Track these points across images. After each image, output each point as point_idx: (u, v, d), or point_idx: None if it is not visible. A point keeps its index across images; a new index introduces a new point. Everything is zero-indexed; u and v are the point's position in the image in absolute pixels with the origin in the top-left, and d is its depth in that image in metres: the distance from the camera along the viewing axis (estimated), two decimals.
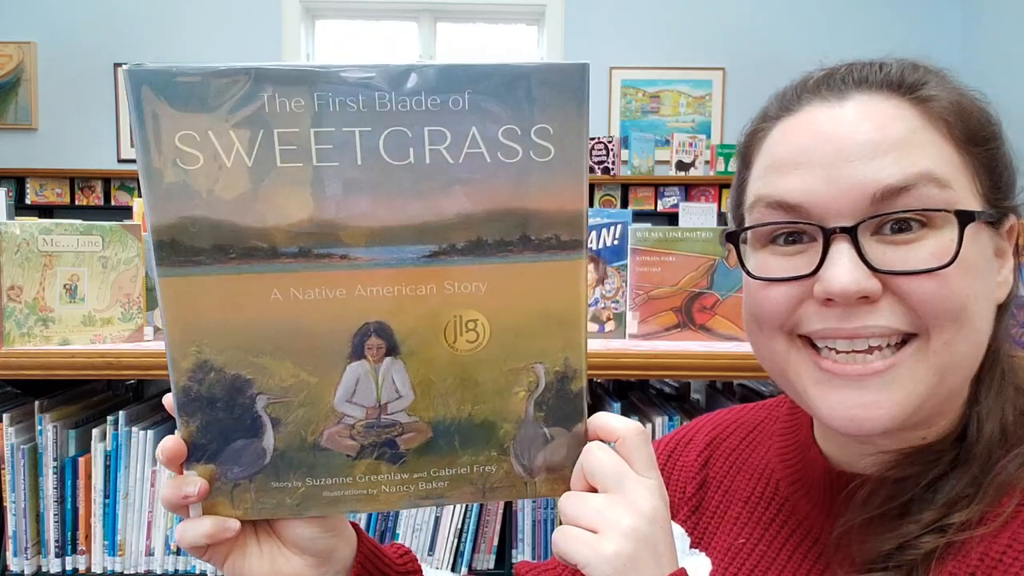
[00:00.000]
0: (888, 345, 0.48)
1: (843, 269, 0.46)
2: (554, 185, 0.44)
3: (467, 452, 0.47)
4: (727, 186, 4.02)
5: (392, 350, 0.45)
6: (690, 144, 4.04)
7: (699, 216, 1.99)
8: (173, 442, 0.45)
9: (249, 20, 3.98)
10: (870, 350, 0.48)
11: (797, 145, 0.50)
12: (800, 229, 0.50)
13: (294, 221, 0.43)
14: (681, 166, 4.05)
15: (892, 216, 0.47)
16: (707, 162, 4.07)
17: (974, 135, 0.49)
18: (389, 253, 0.44)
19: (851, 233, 0.47)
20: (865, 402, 0.47)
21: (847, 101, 0.50)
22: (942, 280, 0.46)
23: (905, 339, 0.48)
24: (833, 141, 0.48)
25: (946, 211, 0.46)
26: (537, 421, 0.47)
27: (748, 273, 0.52)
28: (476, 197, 0.43)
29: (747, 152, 0.56)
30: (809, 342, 0.50)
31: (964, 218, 0.46)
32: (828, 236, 0.47)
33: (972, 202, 0.48)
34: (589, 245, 1.23)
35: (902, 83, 0.49)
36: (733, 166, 4.60)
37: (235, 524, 0.46)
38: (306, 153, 0.42)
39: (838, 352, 0.48)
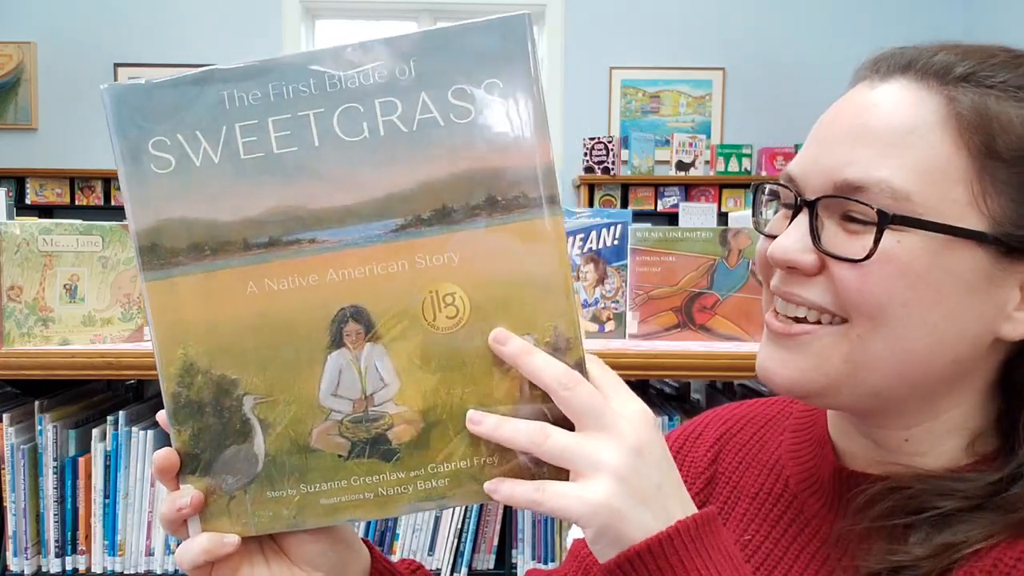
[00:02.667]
0: (816, 321, 0.50)
1: (787, 238, 0.49)
2: (512, 140, 0.42)
3: (464, 443, 0.44)
4: (727, 186, 4.02)
5: (371, 335, 0.43)
6: (690, 144, 4.04)
7: (699, 216, 1.99)
8: (165, 452, 0.45)
9: (249, 20, 3.98)
10: (799, 319, 0.50)
11: (823, 120, 0.52)
12: (790, 198, 0.52)
13: (262, 211, 0.43)
14: (681, 166, 4.05)
15: (840, 200, 0.47)
16: (707, 162, 4.07)
17: (1000, 150, 0.46)
18: (356, 232, 0.43)
19: (811, 207, 0.49)
20: (778, 359, 0.51)
21: (882, 84, 0.49)
22: (860, 274, 0.46)
23: (832, 320, 0.49)
24: (837, 122, 0.50)
25: (867, 205, 0.46)
26: (535, 401, 0.43)
27: (755, 225, 0.57)
28: (435, 163, 0.42)
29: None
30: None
31: (884, 219, 0.45)
32: (799, 206, 0.50)
33: (956, 216, 0.45)
34: (590, 246, 1.23)
35: (945, 74, 0.47)
36: (733, 166, 4.59)
37: (233, 539, 0.45)
38: (266, 142, 0.43)
39: (777, 313, 0.52)
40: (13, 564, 1.15)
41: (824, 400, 0.52)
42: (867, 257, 0.46)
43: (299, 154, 0.42)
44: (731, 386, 1.40)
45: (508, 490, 0.43)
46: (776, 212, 0.56)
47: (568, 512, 0.41)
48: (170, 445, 0.46)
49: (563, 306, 0.43)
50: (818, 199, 0.49)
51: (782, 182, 0.53)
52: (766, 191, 0.57)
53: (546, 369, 0.42)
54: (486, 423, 0.43)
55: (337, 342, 0.44)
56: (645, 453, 0.42)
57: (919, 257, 0.46)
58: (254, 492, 0.45)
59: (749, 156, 4.02)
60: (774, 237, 0.51)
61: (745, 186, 3.99)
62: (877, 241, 0.46)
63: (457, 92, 0.42)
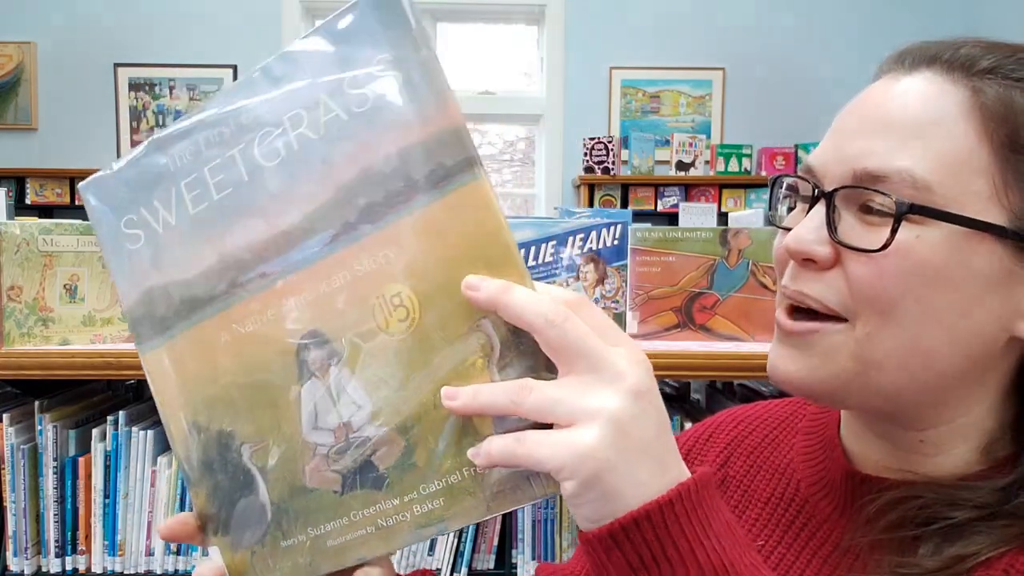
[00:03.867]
0: (825, 317, 0.49)
1: (801, 228, 0.48)
2: (413, 110, 0.39)
3: (449, 453, 0.40)
4: (727, 186, 4.02)
5: (336, 359, 0.41)
6: (690, 144, 4.04)
7: (699, 216, 1.99)
8: (174, 522, 0.46)
9: (249, 20, 3.98)
10: (808, 314, 0.49)
11: (845, 111, 0.51)
12: (808, 189, 0.51)
13: (215, 259, 0.44)
14: (681, 166, 4.05)
15: (860, 190, 0.47)
16: (707, 162, 4.07)
17: (1018, 143, 0.45)
18: (296, 255, 0.42)
19: (828, 197, 0.48)
20: (785, 356, 0.50)
21: (907, 77, 0.49)
22: (874, 266, 0.45)
23: (841, 318, 0.48)
24: (860, 113, 0.49)
25: (887, 195, 0.45)
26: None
27: (770, 219, 0.56)
28: (349, 161, 0.40)
29: None
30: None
31: (902, 209, 0.44)
32: (816, 197, 0.49)
33: (977, 209, 0.45)
34: (590, 246, 1.23)
35: (970, 66, 0.47)
36: (733, 166, 4.58)
37: None
38: (207, 192, 0.44)
39: (790, 311, 0.51)
40: (13, 564, 1.15)
41: (835, 400, 0.51)
42: (883, 247, 0.45)
43: (235, 194, 0.43)
44: (731, 386, 1.40)
45: (486, 450, 0.37)
46: (793, 208, 0.55)
47: (550, 460, 0.35)
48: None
49: (513, 276, 0.38)
50: (836, 189, 0.48)
51: (801, 174, 0.52)
52: (783, 185, 0.56)
53: (529, 305, 0.36)
54: (462, 397, 0.37)
55: (306, 374, 0.42)
56: (645, 399, 0.36)
57: (937, 251, 0.45)
58: (270, 545, 0.44)
59: (749, 156, 4.02)
60: (782, 229, 0.51)
61: (745, 186, 3.99)
62: (895, 231, 0.44)
63: (351, 82, 0.40)
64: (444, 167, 0.38)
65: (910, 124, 0.46)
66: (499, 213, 0.39)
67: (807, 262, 0.48)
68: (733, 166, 4.03)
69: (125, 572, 1.17)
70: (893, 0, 4.02)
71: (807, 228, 0.48)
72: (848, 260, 0.47)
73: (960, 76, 0.47)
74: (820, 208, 0.48)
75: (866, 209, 0.47)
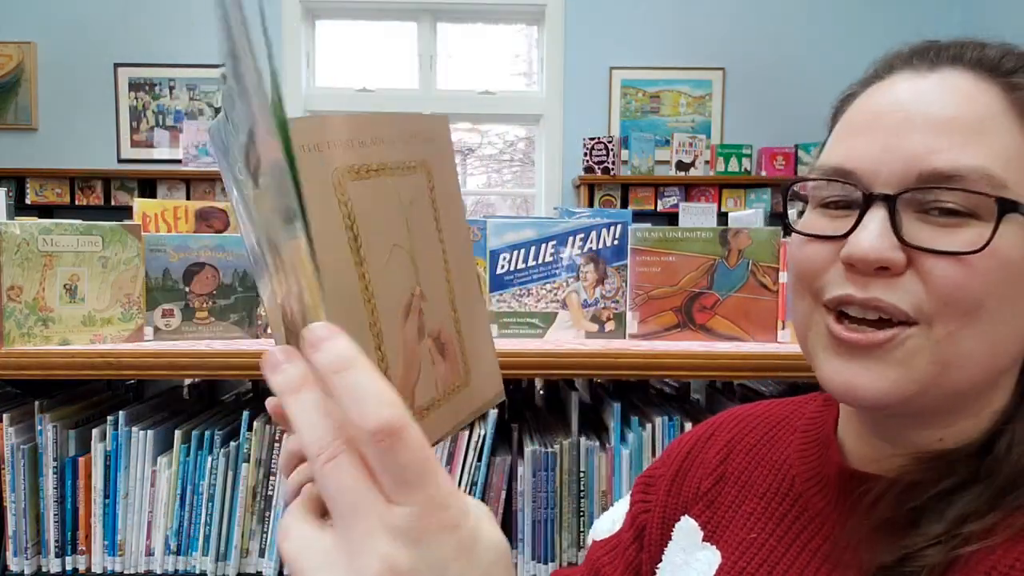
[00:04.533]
0: (897, 323, 0.47)
1: (869, 234, 0.46)
2: (255, 118, 0.38)
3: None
4: (727, 186, 4.02)
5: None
6: (690, 144, 4.04)
7: (699, 216, 1.99)
8: None
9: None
10: (880, 324, 0.47)
11: (873, 110, 0.49)
12: (848, 193, 0.49)
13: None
14: (681, 166, 4.05)
15: (934, 195, 0.45)
16: (707, 162, 4.07)
17: None
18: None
19: (890, 202, 0.46)
20: (862, 372, 0.47)
21: (935, 73, 0.48)
22: (967, 268, 0.44)
23: (915, 321, 0.47)
24: (904, 109, 0.47)
25: (986, 195, 0.44)
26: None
27: (788, 227, 0.53)
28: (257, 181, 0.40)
29: (834, 116, 0.56)
30: (828, 308, 0.50)
31: (1005, 206, 0.44)
32: (869, 201, 0.47)
33: None
34: (590, 246, 1.23)
35: (997, 67, 0.48)
36: (733, 166, 4.58)
37: None
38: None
39: (850, 319, 0.48)
40: (13, 564, 1.15)
41: (909, 407, 0.48)
42: (982, 248, 0.44)
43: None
44: (731, 386, 1.40)
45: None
46: (800, 213, 0.53)
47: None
48: None
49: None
50: (902, 192, 0.46)
51: (835, 178, 0.49)
52: (808, 188, 0.53)
53: (303, 429, 0.32)
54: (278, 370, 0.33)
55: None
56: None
57: (1018, 247, 0.45)
58: None
59: (749, 156, 4.02)
60: (827, 239, 0.49)
61: (745, 186, 3.99)
62: (995, 231, 0.44)
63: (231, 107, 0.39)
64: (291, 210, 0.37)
65: (967, 122, 0.46)
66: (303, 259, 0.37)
67: (880, 270, 0.46)
68: (733, 166, 4.04)
69: (125, 572, 1.17)
70: (893, 0, 4.02)
71: (874, 234, 0.46)
72: (926, 263, 0.45)
73: (990, 75, 0.47)
74: (879, 212, 0.46)
75: (928, 210, 0.46)
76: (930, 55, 0.50)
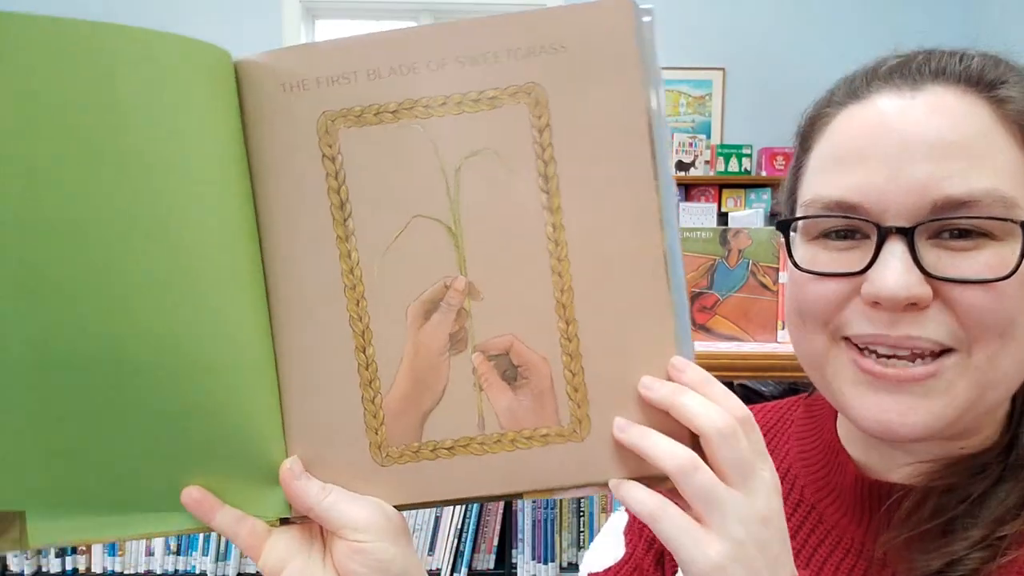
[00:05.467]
0: (931, 353, 0.46)
1: (894, 272, 0.44)
2: None
3: None
4: (727, 186, 4.02)
5: None
6: (690, 144, 4.04)
7: (699, 216, 1.99)
8: None
9: (249, 19, 3.98)
10: (912, 356, 0.46)
11: (862, 136, 0.47)
12: (855, 226, 0.47)
13: None
14: (681, 166, 4.05)
15: (952, 223, 0.44)
16: (707, 162, 4.07)
17: None
18: None
19: (907, 235, 0.44)
20: (901, 408, 0.46)
21: (920, 93, 0.47)
22: (996, 293, 0.44)
23: (947, 350, 0.46)
24: (900, 135, 0.46)
25: (1012, 221, 0.44)
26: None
27: (796, 265, 0.50)
28: None
29: (807, 136, 0.54)
30: (851, 342, 0.49)
31: None
32: (883, 235, 0.45)
33: None
34: None
35: (981, 79, 0.47)
36: (733, 166, 4.57)
37: None
38: None
39: (879, 355, 0.47)
40: (13, 564, 1.15)
41: (948, 432, 0.47)
42: (1010, 274, 0.43)
43: None
44: (731, 386, 1.40)
45: (634, 495, 0.39)
46: (813, 241, 0.50)
47: (681, 551, 0.38)
48: None
49: None
50: (918, 224, 0.44)
51: (841, 214, 0.47)
52: (798, 228, 0.51)
53: (700, 414, 0.39)
54: (630, 431, 0.39)
55: None
56: (771, 523, 0.39)
57: None
58: None
59: (749, 156, 4.02)
60: (834, 276, 0.47)
61: (745, 186, 3.99)
62: (1022, 255, 0.43)
63: None
64: None
65: (967, 143, 0.45)
66: None
67: (909, 307, 0.45)
68: (733, 166, 4.04)
69: (125, 572, 1.17)
70: (893, 1, 4.02)
71: (899, 272, 0.44)
72: (952, 292, 0.44)
73: (976, 90, 0.46)
74: (897, 247, 0.45)
75: (942, 236, 0.45)
76: (911, 72, 0.48)
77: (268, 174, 0.34)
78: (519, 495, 0.37)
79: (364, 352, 0.36)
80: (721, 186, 4.02)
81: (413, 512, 1.17)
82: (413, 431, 0.37)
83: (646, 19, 0.36)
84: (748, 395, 1.36)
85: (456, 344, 0.35)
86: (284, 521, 0.42)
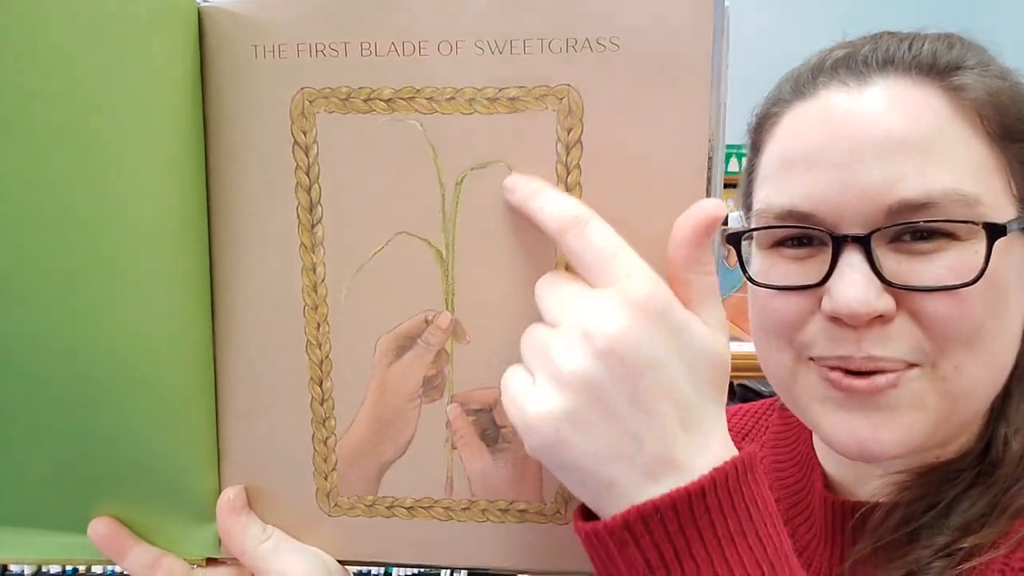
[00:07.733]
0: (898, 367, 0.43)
1: (854, 287, 0.41)
2: None
3: None
4: (726, 186, 3.99)
5: None
6: None
7: None
8: None
9: None
10: (880, 369, 0.43)
11: (809, 140, 0.44)
12: (809, 235, 0.45)
13: None
14: None
15: (910, 226, 0.41)
16: None
17: (1011, 129, 0.43)
18: None
19: (864, 243, 0.41)
20: (871, 424, 0.43)
21: (868, 87, 0.43)
22: (961, 299, 0.41)
23: (918, 362, 0.43)
24: (849, 138, 0.42)
25: (972, 223, 0.40)
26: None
27: (751, 279, 0.48)
28: None
29: (756, 138, 0.51)
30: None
31: (994, 232, 0.40)
32: (839, 244, 0.42)
33: (1006, 208, 0.43)
34: None
35: (933, 66, 0.43)
36: (733, 166, 4.63)
37: None
38: None
39: (847, 371, 0.44)
40: (13, 564, 1.15)
41: (925, 447, 0.45)
42: (975, 280, 0.40)
43: None
44: (731, 386, 1.40)
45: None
46: (744, 257, 0.48)
47: (510, 418, 0.28)
48: None
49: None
50: (874, 230, 0.41)
51: (793, 224, 0.44)
52: (752, 237, 0.48)
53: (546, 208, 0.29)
54: (520, 190, 0.28)
55: None
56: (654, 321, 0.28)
57: (1000, 262, 0.42)
58: None
59: None
60: (793, 289, 0.44)
61: None
62: (988, 258, 0.40)
63: None
64: None
65: (921, 138, 0.41)
66: None
67: (873, 321, 0.42)
68: (733, 166, 4.03)
69: (126, 572, 1.17)
70: (894, 0, 4.02)
71: (856, 284, 0.41)
72: (916, 301, 0.41)
73: (928, 77, 0.43)
74: (854, 256, 0.42)
75: (903, 239, 0.42)
76: (857, 65, 0.45)
77: (226, 159, 0.27)
78: (484, 572, 0.32)
79: (320, 385, 0.30)
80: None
81: None
82: (369, 483, 0.32)
83: (727, 2, 0.28)
84: (747, 395, 1.35)
85: (430, 391, 0.30)
86: (211, 561, 0.37)
